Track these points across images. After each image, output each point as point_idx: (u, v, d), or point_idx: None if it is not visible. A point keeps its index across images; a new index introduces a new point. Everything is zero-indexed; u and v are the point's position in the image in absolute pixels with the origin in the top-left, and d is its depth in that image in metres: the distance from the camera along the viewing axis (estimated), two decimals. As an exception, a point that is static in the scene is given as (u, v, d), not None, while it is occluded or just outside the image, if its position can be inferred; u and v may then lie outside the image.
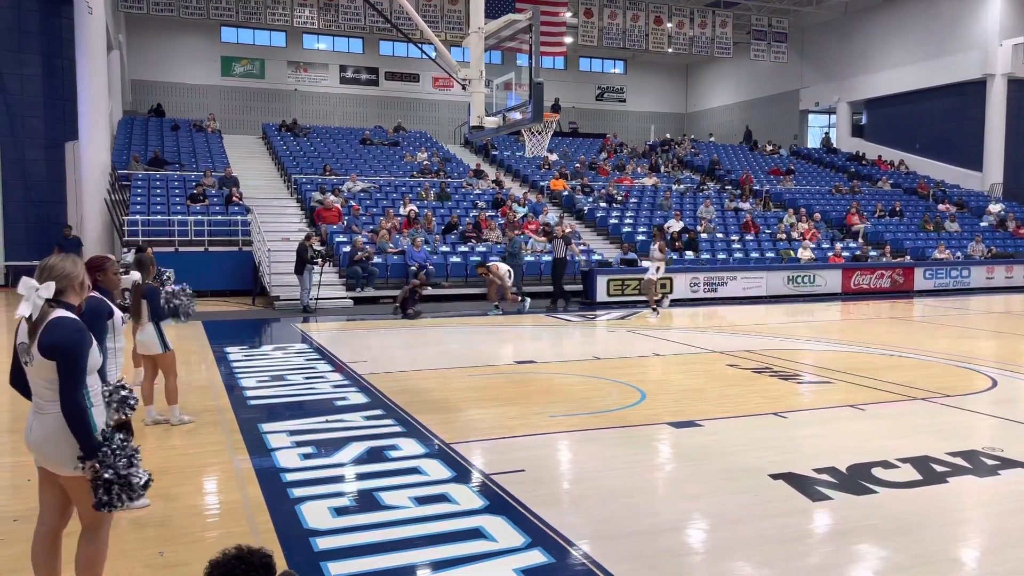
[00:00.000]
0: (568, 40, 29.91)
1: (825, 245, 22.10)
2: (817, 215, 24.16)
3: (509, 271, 16.08)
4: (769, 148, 33.46)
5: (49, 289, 3.15)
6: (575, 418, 7.05)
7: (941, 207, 26.84)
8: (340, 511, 4.67)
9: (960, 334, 13.19)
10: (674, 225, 21.25)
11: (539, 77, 7.42)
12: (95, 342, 3.26)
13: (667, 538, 4.35)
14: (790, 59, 34.11)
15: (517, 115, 8.06)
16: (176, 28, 32.93)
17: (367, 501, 4.83)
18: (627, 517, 4.64)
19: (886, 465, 5.57)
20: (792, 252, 21.23)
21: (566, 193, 24.19)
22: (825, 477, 5.32)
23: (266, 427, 6.59)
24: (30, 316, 3.14)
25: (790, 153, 33.60)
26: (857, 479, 5.28)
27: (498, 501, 4.85)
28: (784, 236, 22.34)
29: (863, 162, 32.22)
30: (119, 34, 26.77)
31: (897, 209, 25.78)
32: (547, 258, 18.68)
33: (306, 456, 5.79)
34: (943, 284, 20.90)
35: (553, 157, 27.73)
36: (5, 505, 4.90)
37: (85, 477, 3.13)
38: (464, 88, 8.25)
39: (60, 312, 3.17)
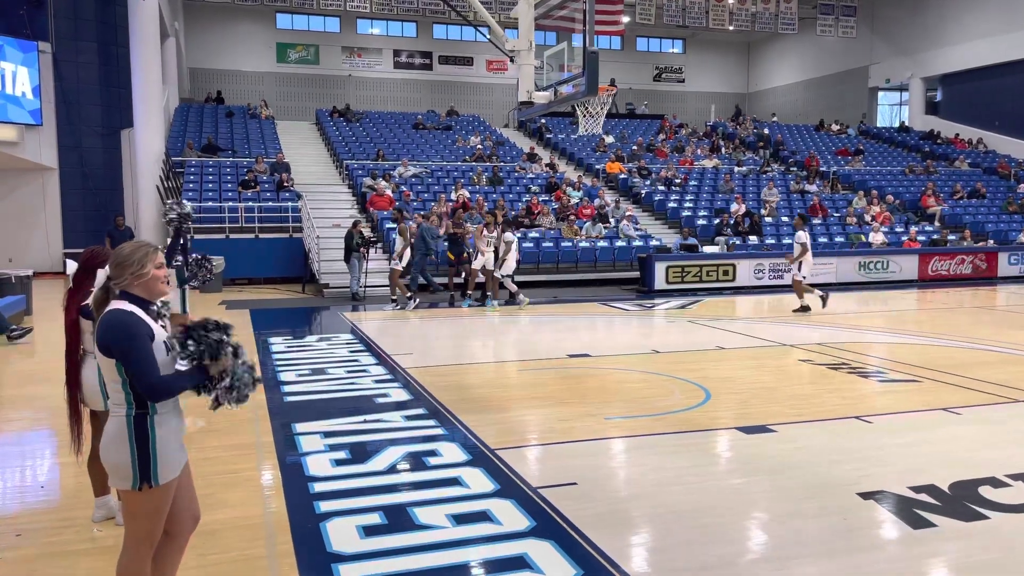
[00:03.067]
0: (626, 19, 28.95)
1: (899, 229, 20.85)
2: (890, 197, 22.85)
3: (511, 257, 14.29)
4: (836, 128, 31.95)
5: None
6: (633, 421, 6.44)
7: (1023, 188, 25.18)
8: (368, 531, 4.17)
9: (1055, 326, 12.10)
10: (737, 209, 20.30)
11: (593, 46, 6.77)
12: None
13: (743, 572, 3.74)
14: (859, 34, 32.48)
15: (570, 88, 7.43)
16: (232, 15, 33.03)
17: (399, 519, 4.32)
18: (694, 544, 4.03)
19: (994, 483, 4.83)
20: (863, 236, 20.08)
21: (623, 176, 23.39)
22: (924, 497, 4.61)
23: (300, 427, 6.15)
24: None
25: (859, 133, 32.03)
26: (963, 500, 4.56)
27: (545, 521, 4.29)
28: (854, 220, 21.17)
29: (938, 141, 30.51)
30: (175, 22, 26.86)
31: (978, 190, 24.25)
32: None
33: (338, 462, 5.31)
34: (1028, 270, 19.53)
35: (609, 139, 26.91)
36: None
37: (131, 492, 2.86)
38: (512, 60, 7.66)
39: (114, 304, 2.86)
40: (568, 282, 17.57)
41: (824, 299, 13.23)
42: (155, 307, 2.95)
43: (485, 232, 14.16)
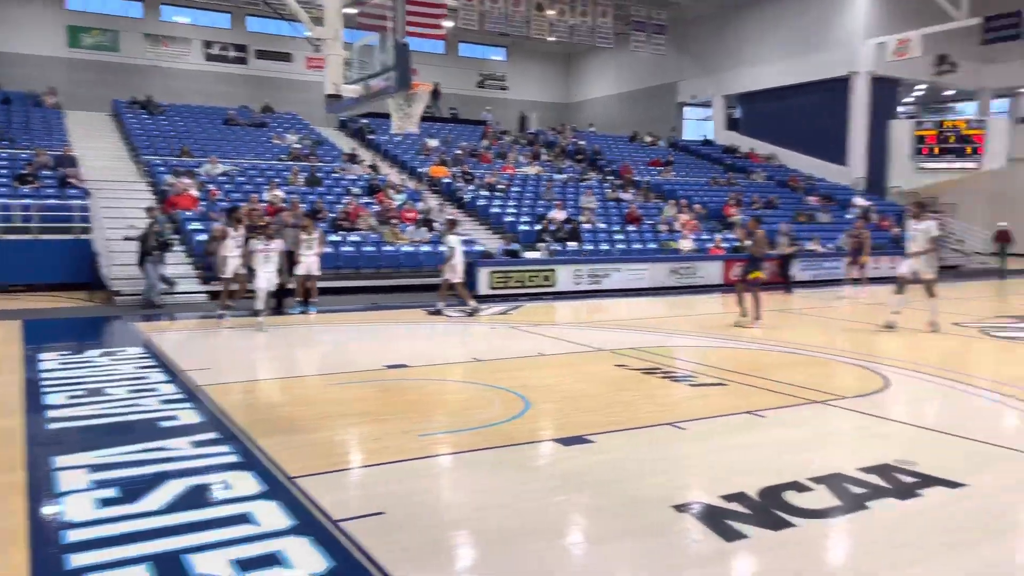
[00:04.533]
0: (449, 24, 28.82)
1: (705, 236, 22.08)
2: (697, 206, 24.19)
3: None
4: (649, 139, 33.55)
5: None
6: (450, 437, 6.09)
7: (811, 199, 27.55)
8: (130, 589, 3.52)
9: (842, 327, 13.11)
10: (557, 215, 20.63)
11: (403, 39, 6.35)
12: None
13: (558, 605, 3.47)
14: (669, 51, 34.32)
15: (381, 82, 6.96)
16: (12, -10, 29.60)
17: (171, 570, 3.69)
18: (509, 576, 3.72)
19: (799, 488, 4.90)
20: (673, 243, 21.06)
21: (447, 181, 23.15)
22: (735, 507, 4.59)
23: (61, 460, 5.27)
24: None
25: (669, 145, 33.83)
26: (771, 508, 4.57)
27: (346, 561, 3.82)
28: (666, 227, 22.17)
29: (738, 155, 32.82)
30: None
31: (772, 201, 26.22)
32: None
33: (105, 502, 4.54)
34: (817, 275, 21.27)
35: (433, 143, 26.62)
36: None
37: None
38: (317, 50, 7.09)
39: None
40: (389, 288, 17.03)
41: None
42: None
43: (303, 235, 13.33)
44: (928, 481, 5.04)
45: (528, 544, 4.08)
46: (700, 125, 39.07)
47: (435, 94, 36.72)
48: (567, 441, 5.95)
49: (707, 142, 34.87)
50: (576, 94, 44.33)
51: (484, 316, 13.74)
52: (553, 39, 32.22)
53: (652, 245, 20.98)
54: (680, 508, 4.55)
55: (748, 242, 13.05)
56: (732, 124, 36.12)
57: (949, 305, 14.22)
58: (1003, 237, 25.10)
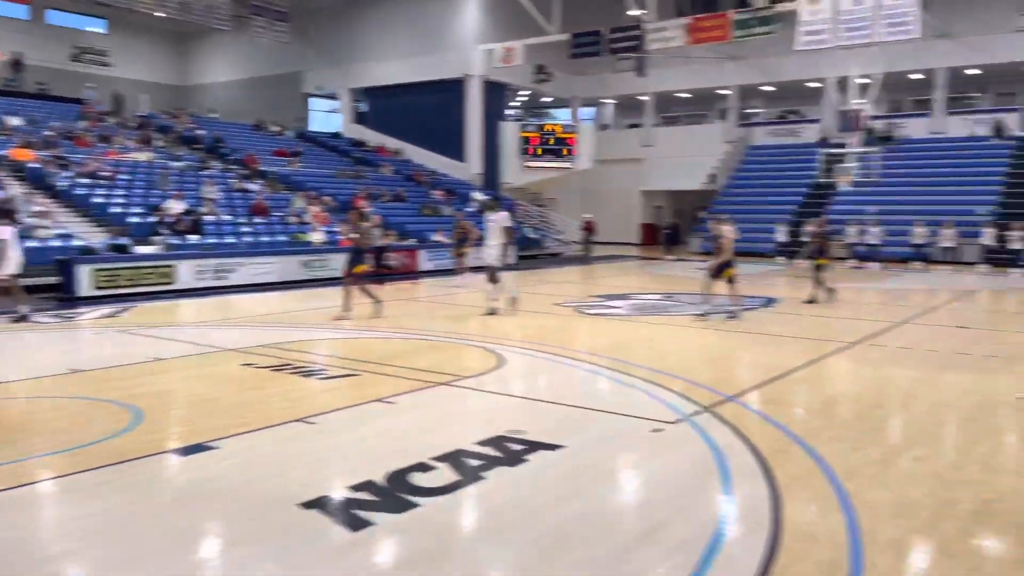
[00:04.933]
0: (31, -17, 24.89)
1: (336, 228, 22.09)
2: (327, 198, 24.11)
3: None
4: (275, 129, 32.58)
5: None
6: (41, 463, 5.25)
7: (436, 194, 29.11)
8: None
9: (462, 313, 14.01)
10: (175, 207, 19.05)
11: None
12: None
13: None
14: (292, 40, 33.65)
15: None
16: None
17: None
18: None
19: (423, 468, 5.12)
20: (304, 235, 20.74)
21: (35, 166, 20.01)
22: (364, 495, 4.64)
23: None
24: None
25: (296, 135, 33.20)
26: (397, 492, 4.70)
27: None
28: (296, 219, 21.74)
29: (366, 148, 33.39)
30: None
31: (400, 195, 27.16)
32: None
33: None
34: (442, 265, 22.54)
35: (16, 121, 22.84)
36: None
37: None
38: None
39: None
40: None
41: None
42: None
43: None
44: (534, 446, 5.60)
45: (139, 571, 3.67)
46: (329, 117, 38.99)
47: (16, 65, 31.61)
48: (188, 450, 5.51)
49: (336, 135, 34.91)
50: (194, 77, 41.35)
51: (86, 320, 12.17)
52: (163, 15, 29.62)
53: (282, 238, 20.43)
54: (308, 505, 4.46)
55: (354, 235, 13.09)
56: (360, 118, 36.62)
57: (550, 288, 15.98)
58: (588, 228, 29.00)
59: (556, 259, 27.80)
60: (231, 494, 4.70)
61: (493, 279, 13.04)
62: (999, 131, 28.96)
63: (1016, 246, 22.72)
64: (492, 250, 13.02)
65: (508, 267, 13.25)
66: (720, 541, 4.08)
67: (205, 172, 23.44)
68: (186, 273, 16.46)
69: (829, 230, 16.12)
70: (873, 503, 4.60)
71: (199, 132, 28.14)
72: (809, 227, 19.48)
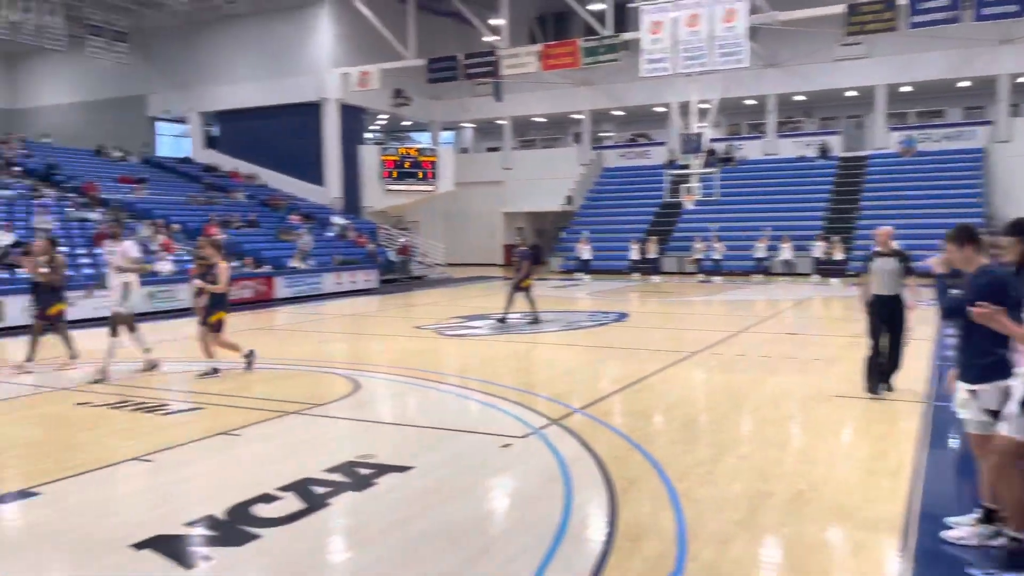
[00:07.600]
0: None
1: (186, 257, 21.16)
2: (175, 226, 23.06)
3: None
4: (118, 154, 30.85)
5: None
6: None
7: (293, 218, 28.44)
8: None
9: (324, 339, 13.79)
10: (2, 238, 17.67)
11: None
12: None
13: None
14: (135, 62, 32.10)
15: None
16: None
17: None
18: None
19: (268, 499, 5.02)
20: (150, 265, 19.71)
21: None
22: (201, 531, 4.50)
23: None
24: None
25: (142, 161, 31.58)
26: (238, 524, 4.59)
27: None
28: (142, 248, 20.64)
29: (218, 173, 32.21)
30: None
31: (253, 220, 26.35)
32: None
33: None
34: (301, 291, 22.03)
35: None
36: None
37: None
38: None
39: None
40: None
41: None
42: None
43: None
44: (383, 470, 5.61)
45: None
46: (179, 142, 37.32)
47: None
48: (6, 499, 5.14)
49: (186, 160, 33.48)
50: (24, 99, 38.53)
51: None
52: (-13, 33, 27.54)
53: (126, 269, 19.31)
54: (140, 545, 4.28)
55: (44, 270, 10.48)
56: (212, 143, 35.28)
57: (411, 311, 15.97)
58: (404, 251, 28.68)
59: (419, 282, 27.78)
60: (57, 539, 4.44)
61: (129, 327, 10.08)
62: (824, 152, 31.61)
63: (839, 256, 24.75)
64: (115, 291, 9.97)
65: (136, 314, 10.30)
66: (557, 546, 4.24)
67: (37, 201, 21.89)
68: (15, 309, 15.26)
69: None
70: (701, 500, 4.93)
71: (30, 158, 26.26)
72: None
